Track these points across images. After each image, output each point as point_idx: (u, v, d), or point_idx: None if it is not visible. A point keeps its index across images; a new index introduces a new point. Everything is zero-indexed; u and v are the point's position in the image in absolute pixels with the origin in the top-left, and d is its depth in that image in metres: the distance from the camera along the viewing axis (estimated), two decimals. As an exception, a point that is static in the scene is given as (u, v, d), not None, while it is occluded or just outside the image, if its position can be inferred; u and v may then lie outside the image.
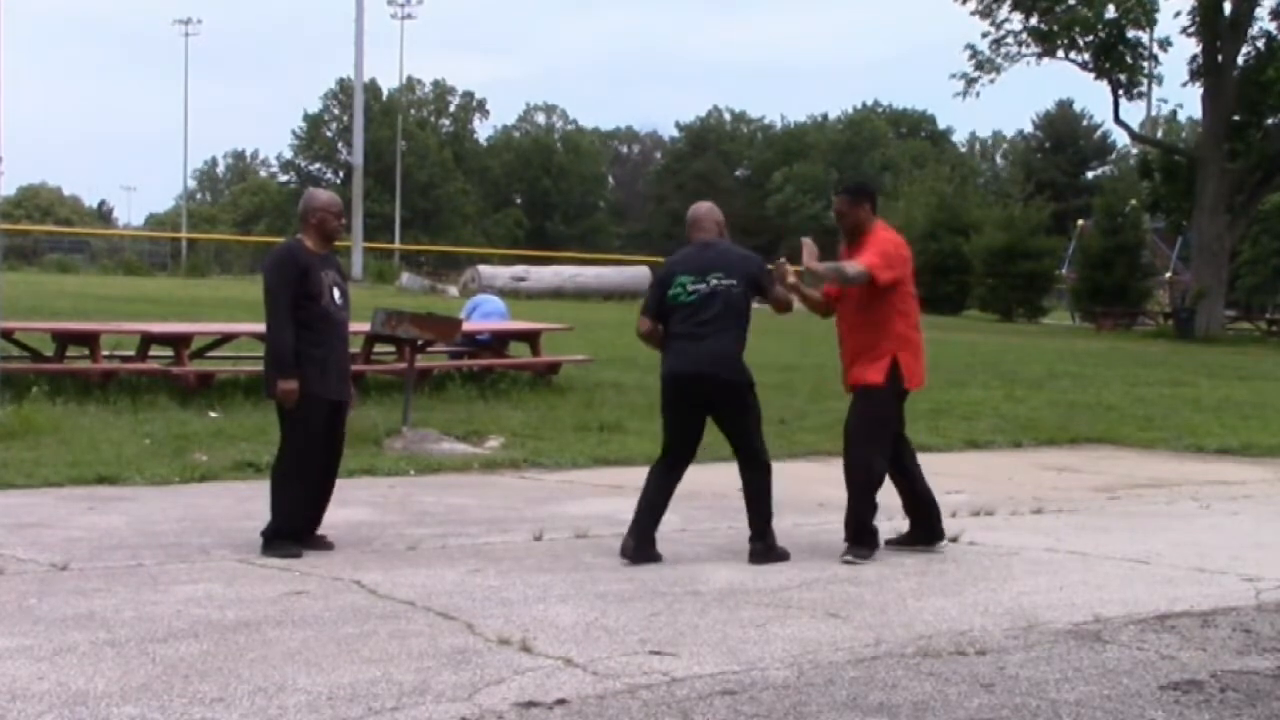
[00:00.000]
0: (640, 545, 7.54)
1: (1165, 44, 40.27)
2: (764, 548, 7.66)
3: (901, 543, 8.12)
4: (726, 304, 7.62)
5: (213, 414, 12.61)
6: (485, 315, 17.33)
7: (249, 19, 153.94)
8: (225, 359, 15.35)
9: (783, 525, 8.09)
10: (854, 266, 7.76)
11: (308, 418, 7.53)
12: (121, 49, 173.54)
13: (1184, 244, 44.24)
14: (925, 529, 8.15)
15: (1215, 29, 36.86)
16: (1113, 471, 12.52)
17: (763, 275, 7.81)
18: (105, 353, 14.25)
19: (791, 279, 7.90)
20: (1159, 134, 51.94)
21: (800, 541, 8.16)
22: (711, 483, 9.32)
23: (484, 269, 43.08)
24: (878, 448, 7.88)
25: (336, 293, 7.70)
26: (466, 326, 14.82)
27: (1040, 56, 39.59)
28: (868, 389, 7.90)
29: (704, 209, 8.03)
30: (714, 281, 7.62)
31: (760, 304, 7.92)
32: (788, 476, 11.35)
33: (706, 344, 7.57)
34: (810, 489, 10.36)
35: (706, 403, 7.70)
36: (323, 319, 7.60)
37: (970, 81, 40.62)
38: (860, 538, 7.81)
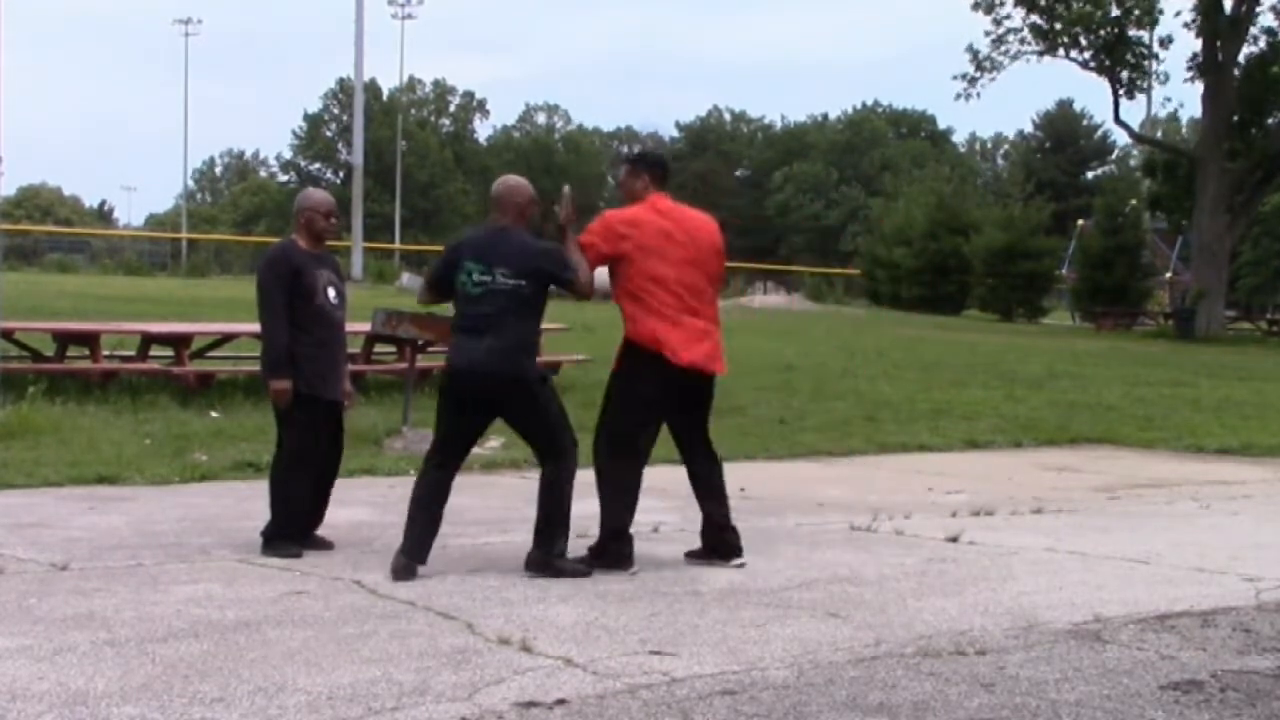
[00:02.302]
0: (412, 561, 6.92)
1: (1166, 41, 40.32)
2: (541, 558, 7.03)
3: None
4: (510, 301, 7.10)
5: (213, 414, 12.61)
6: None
7: (249, 19, 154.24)
8: (225, 359, 15.35)
9: (784, 525, 8.09)
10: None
11: (304, 417, 7.53)
12: (121, 49, 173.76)
13: (1184, 244, 44.26)
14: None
15: (1215, 26, 36.87)
16: (1113, 471, 12.52)
17: (557, 270, 7.31)
18: (105, 353, 14.25)
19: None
20: (1158, 134, 51.94)
21: (801, 541, 8.17)
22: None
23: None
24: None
25: (332, 292, 7.70)
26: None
27: (1042, 54, 39.63)
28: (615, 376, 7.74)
29: (505, 187, 7.47)
30: (499, 277, 7.10)
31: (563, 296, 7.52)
32: (788, 476, 11.37)
33: (486, 339, 7.04)
34: (810, 489, 10.37)
35: (489, 401, 7.14)
36: (318, 318, 7.59)
37: (971, 81, 40.65)
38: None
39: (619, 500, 7.30)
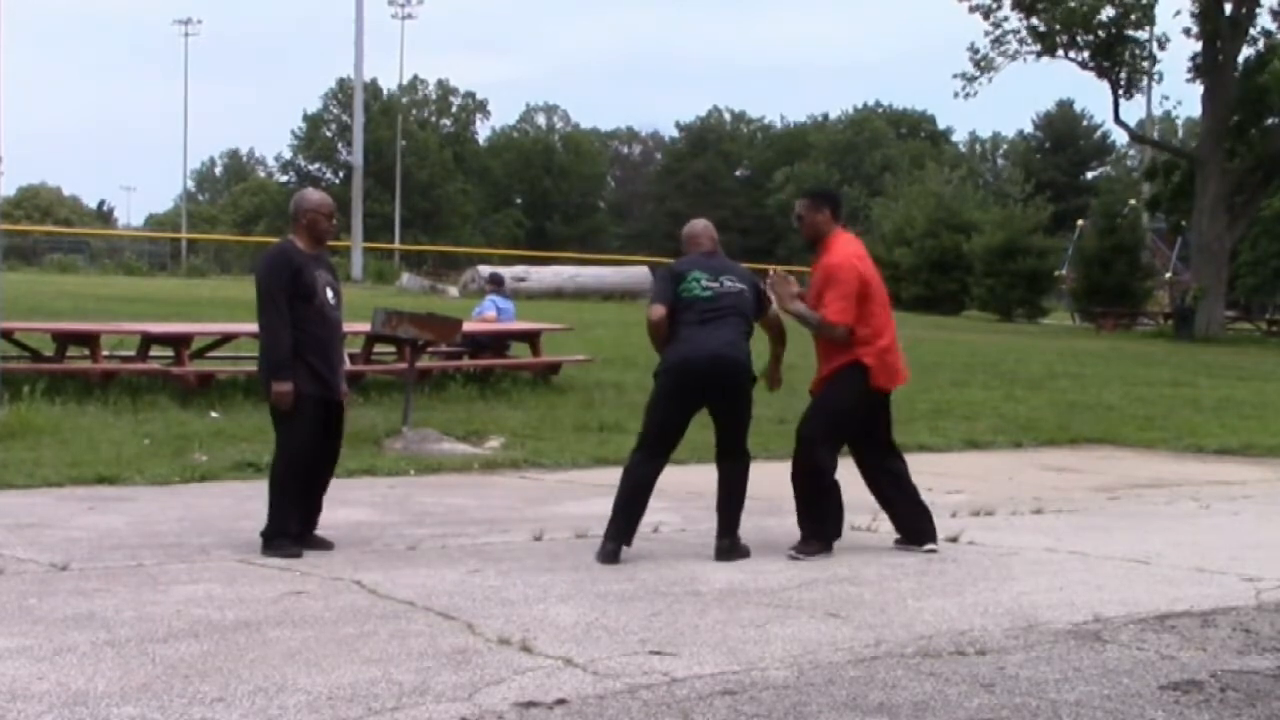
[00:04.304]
0: (620, 545, 7.53)
1: (1163, 42, 40.35)
2: (730, 545, 7.70)
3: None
4: (736, 304, 7.77)
5: (213, 414, 12.61)
6: (485, 311, 17.55)
7: (249, 19, 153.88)
8: (225, 359, 15.35)
9: (784, 525, 8.10)
10: (820, 323, 7.94)
11: (301, 417, 7.53)
12: (121, 49, 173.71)
13: (1184, 244, 44.24)
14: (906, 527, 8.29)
15: (1216, 27, 36.87)
16: (1113, 471, 12.52)
17: (761, 291, 7.99)
18: (105, 353, 14.26)
19: (795, 303, 8.02)
20: (1156, 134, 51.95)
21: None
22: (712, 483, 9.30)
23: (483, 268, 43.07)
24: (830, 444, 8.00)
25: (330, 292, 7.70)
26: (467, 326, 14.83)
27: (1040, 55, 39.65)
28: (824, 385, 8.09)
29: (701, 225, 8.17)
30: (726, 282, 7.78)
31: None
32: (788, 476, 11.34)
33: (721, 332, 7.65)
34: (810, 489, 10.33)
35: (712, 389, 7.69)
36: (317, 319, 7.59)
37: (970, 80, 40.69)
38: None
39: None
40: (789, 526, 8.04)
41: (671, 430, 7.77)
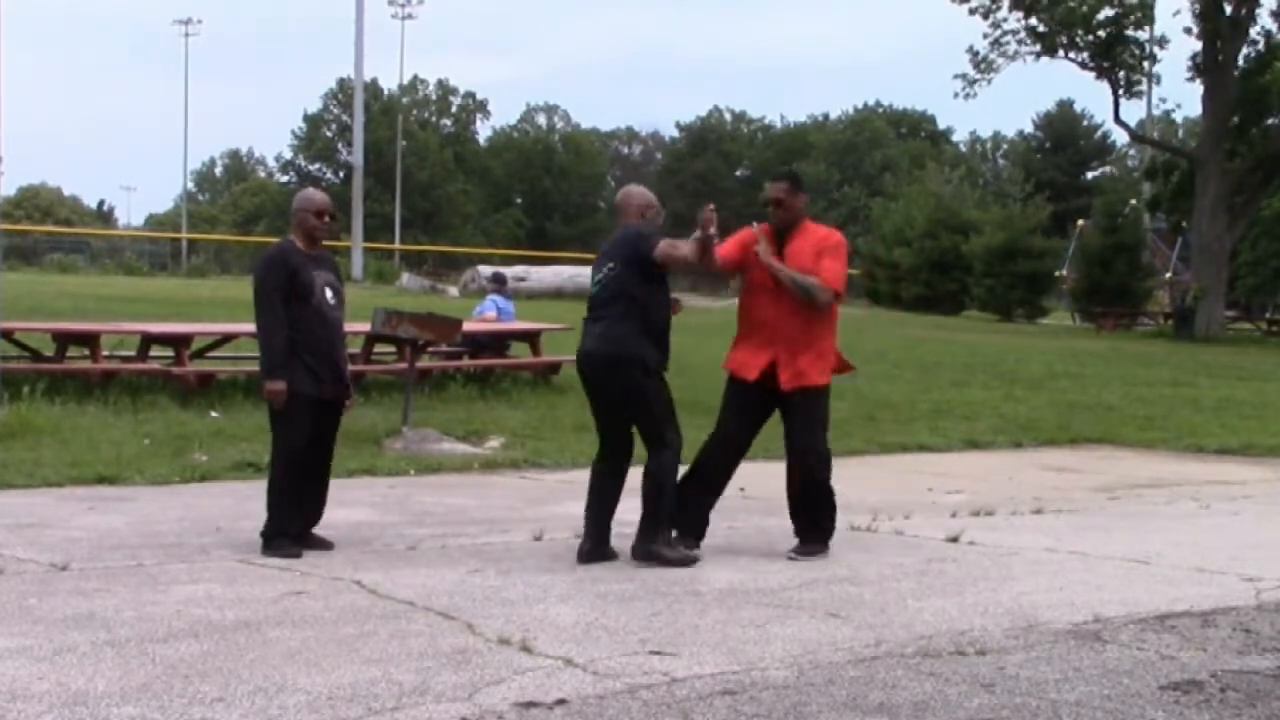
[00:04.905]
0: (592, 547, 7.45)
1: (1163, 41, 40.36)
2: (640, 548, 7.43)
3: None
4: (613, 289, 7.47)
5: (213, 414, 12.61)
6: (485, 311, 17.57)
7: (249, 19, 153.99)
8: (225, 359, 15.35)
9: (785, 525, 8.08)
10: (816, 285, 7.59)
11: (298, 417, 7.53)
12: (121, 49, 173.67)
13: (1184, 244, 44.25)
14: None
15: (1216, 27, 36.88)
16: (1113, 471, 12.53)
17: (642, 246, 7.48)
18: (105, 353, 14.26)
19: (778, 263, 7.61)
20: (1156, 134, 51.96)
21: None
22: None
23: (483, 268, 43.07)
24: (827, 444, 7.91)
25: (330, 292, 7.70)
26: (467, 326, 14.83)
27: (1039, 55, 39.67)
28: (818, 391, 7.77)
29: (624, 194, 7.88)
30: (605, 269, 7.54)
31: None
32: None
33: (595, 326, 7.50)
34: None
35: (593, 388, 7.55)
36: (315, 319, 7.59)
37: (971, 82, 40.71)
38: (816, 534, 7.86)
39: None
40: (789, 526, 8.04)
41: (605, 431, 7.60)
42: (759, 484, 9.23)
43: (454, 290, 40.57)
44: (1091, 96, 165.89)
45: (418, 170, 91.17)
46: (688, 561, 7.42)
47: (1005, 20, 39.48)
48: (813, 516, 7.86)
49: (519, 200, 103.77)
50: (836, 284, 7.68)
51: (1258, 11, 37.68)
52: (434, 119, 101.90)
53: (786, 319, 7.66)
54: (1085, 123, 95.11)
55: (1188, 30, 38.00)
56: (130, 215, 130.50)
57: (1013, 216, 50.10)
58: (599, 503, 7.52)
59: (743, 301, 7.94)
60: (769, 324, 7.71)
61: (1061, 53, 39.34)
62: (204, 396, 13.30)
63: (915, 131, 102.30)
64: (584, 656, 5.50)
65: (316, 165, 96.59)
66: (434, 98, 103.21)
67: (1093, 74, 39.63)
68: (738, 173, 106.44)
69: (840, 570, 7.46)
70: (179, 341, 14.16)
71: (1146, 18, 38.86)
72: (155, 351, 14.55)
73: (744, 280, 7.89)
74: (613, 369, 7.42)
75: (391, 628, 5.89)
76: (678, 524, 7.64)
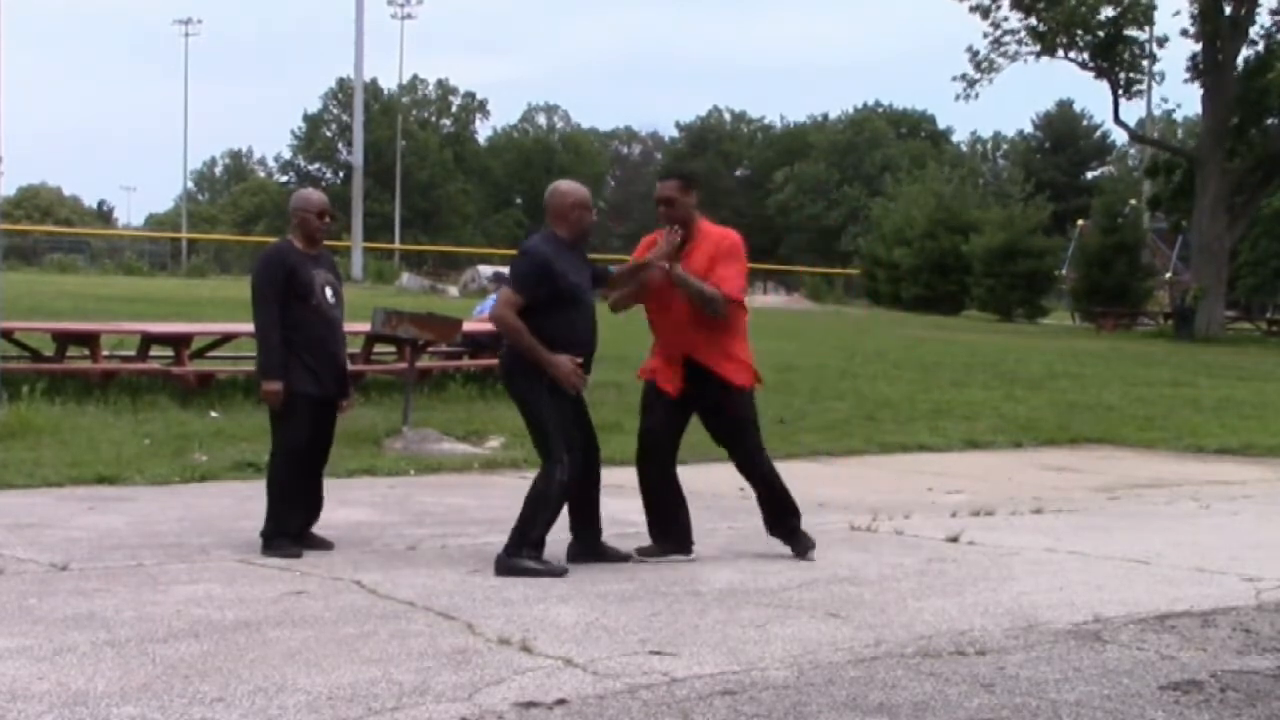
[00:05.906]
0: (578, 545, 7.46)
1: (1162, 41, 40.39)
2: (501, 556, 7.14)
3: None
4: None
5: (213, 414, 12.61)
6: (485, 311, 17.56)
7: (249, 19, 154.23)
8: (225, 359, 15.34)
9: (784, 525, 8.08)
10: (715, 294, 7.34)
11: (298, 417, 7.53)
12: (121, 49, 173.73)
13: (1184, 244, 44.27)
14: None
15: (1216, 27, 36.88)
16: (1113, 471, 12.52)
17: (505, 282, 7.56)
18: (105, 353, 14.26)
19: (679, 267, 7.36)
20: (1156, 134, 51.99)
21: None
22: (711, 482, 9.32)
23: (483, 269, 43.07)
24: (763, 445, 7.80)
25: (329, 292, 7.69)
26: (467, 326, 14.83)
27: (1039, 55, 39.67)
28: (742, 391, 7.62)
29: (553, 191, 7.79)
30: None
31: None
32: (788, 476, 11.34)
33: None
34: (811, 489, 10.33)
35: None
36: (315, 318, 7.58)
37: (971, 83, 40.71)
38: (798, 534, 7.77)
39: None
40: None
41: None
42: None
43: (454, 290, 40.57)
44: (1091, 96, 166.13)
45: (417, 170, 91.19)
46: (554, 572, 7.07)
47: (1005, 20, 39.56)
48: (785, 523, 7.77)
49: (519, 200, 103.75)
50: (735, 293, 7.44)
51: (1257, 11, 37.71)
52: (434, 119, 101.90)
53: (691, 325, 7.48)
54: (1085, 123, 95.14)
55: (1183, 32, 38.07)
56: (130, 215, 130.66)
57: (1013, 216, 50.14)
58: (573, 506, 7.42)
59: (647, 306, 7.73)
60: (676, 328, 7.54)
61: (1061, 53, 39.36)
62: (204, 396, 13.30)
63: (915, 131, 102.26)
64: (584, 656, 5.50)
65: (316, 165, 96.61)
66: (434, 98, 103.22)
67: (1092, 74, 39.68)
68: (737, 173, 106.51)
69: (840, 570, 7.46)
70: (179, 341, 14.16)
71: (1146, 18, 38.88)
72: (155, 351, 14.54)
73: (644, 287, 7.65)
74: (505, 379, 7.50)
75: (391, 628, 5.89)
76: (671, 539, 7.59)
